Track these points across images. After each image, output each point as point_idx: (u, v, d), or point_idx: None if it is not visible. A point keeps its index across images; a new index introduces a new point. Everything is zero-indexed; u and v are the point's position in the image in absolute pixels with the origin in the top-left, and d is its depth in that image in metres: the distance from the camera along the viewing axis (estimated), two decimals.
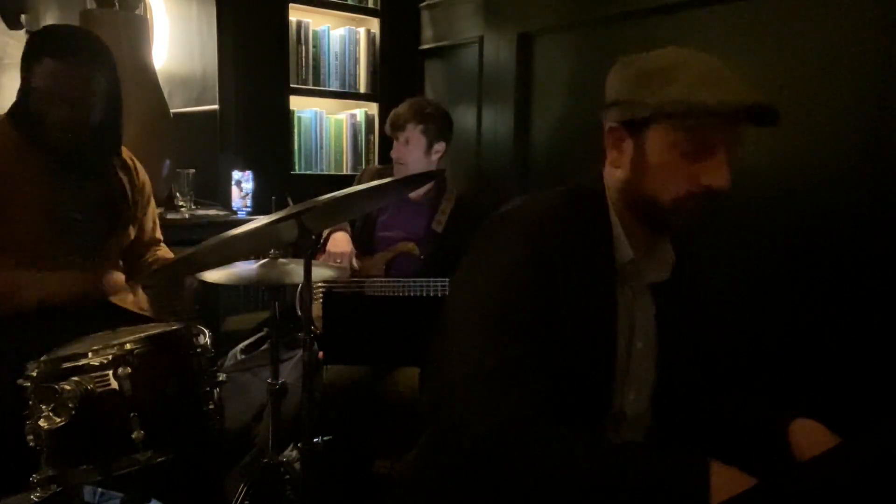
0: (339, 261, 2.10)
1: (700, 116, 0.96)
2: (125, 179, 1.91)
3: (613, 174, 1.09)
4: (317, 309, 2.10)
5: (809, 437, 1.06)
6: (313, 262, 1.44)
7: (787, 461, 1.05)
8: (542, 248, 1.01)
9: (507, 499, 0.93)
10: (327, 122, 3.10)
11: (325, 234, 2.23)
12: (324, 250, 2.18)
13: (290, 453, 1.89)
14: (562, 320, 1.01)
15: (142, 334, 1.39)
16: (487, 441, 0.90)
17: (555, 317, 1.00)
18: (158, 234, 2.11)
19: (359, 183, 2.30)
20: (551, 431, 0.91)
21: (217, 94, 2.83)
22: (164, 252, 2.06)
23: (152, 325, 1.67)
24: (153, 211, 2.08)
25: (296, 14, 2.96)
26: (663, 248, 1.15)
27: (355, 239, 2.23)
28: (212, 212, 2.80)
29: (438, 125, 2.23)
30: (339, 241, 2.15)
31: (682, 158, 1.00)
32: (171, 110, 2.82)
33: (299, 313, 2.22)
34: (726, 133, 0.99)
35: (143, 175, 2.01)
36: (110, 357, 1.29)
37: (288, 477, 1.70)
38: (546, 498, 0.89)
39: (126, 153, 1.96)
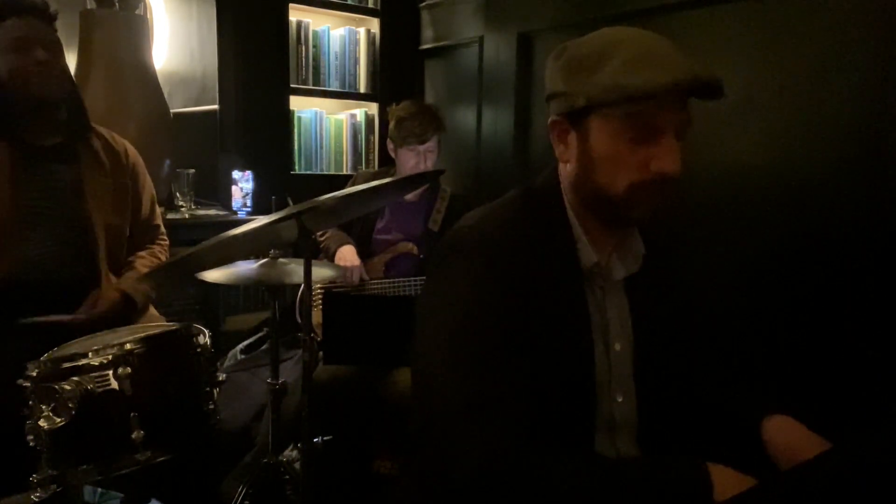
0: (349, 275, 2.09)
1: (634, 101, 0.90)
2: (108, 160, 1.83)
3: (564, 170, 1.04)
4: (317, 316, 2.10)
5: (783, 433, 1.03)
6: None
7: (760, 459, 1.02)
8: (501, 266, 0.97)
9: None
10: (327, 122, 3.10)
11: (320, 239, 2.23)
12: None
13: (290, 453, 1.89)
14: (534, 336, 0.97)
15: (142, 334, 1.39)
16: (479, 476, 0.86)
17: (526, 334, 0.96)
18: (157, 222, 2.01)
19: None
20: (543, 457, 0.88)
21: (217, 94, 2.83)
22: (143, 260, 1.90)
23: (152, 325, 1.67)
24: (150, 197, 1.98)
25: (296, 14, 2.96)
26: (632, 241, 1.09)
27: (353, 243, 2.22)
28: (212, 212, 2.80)
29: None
30: (347, 255, 2.14)
31: (628, 146, 0.94)
32: (171, 110, 2.83)
33: (299, 320, 2.22)
34: (671, 114, 0.93)
35: (135, 157, 1.92)
36: (110, 357, 1.29)
37: (288, 477, 1.70)
38: None
39: (111, 134, 1.89)
